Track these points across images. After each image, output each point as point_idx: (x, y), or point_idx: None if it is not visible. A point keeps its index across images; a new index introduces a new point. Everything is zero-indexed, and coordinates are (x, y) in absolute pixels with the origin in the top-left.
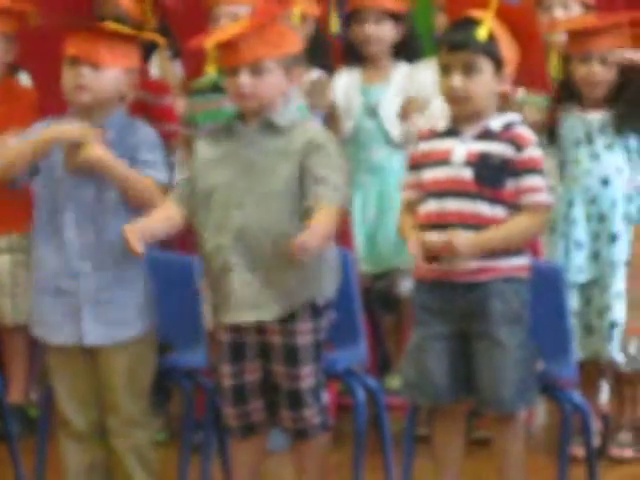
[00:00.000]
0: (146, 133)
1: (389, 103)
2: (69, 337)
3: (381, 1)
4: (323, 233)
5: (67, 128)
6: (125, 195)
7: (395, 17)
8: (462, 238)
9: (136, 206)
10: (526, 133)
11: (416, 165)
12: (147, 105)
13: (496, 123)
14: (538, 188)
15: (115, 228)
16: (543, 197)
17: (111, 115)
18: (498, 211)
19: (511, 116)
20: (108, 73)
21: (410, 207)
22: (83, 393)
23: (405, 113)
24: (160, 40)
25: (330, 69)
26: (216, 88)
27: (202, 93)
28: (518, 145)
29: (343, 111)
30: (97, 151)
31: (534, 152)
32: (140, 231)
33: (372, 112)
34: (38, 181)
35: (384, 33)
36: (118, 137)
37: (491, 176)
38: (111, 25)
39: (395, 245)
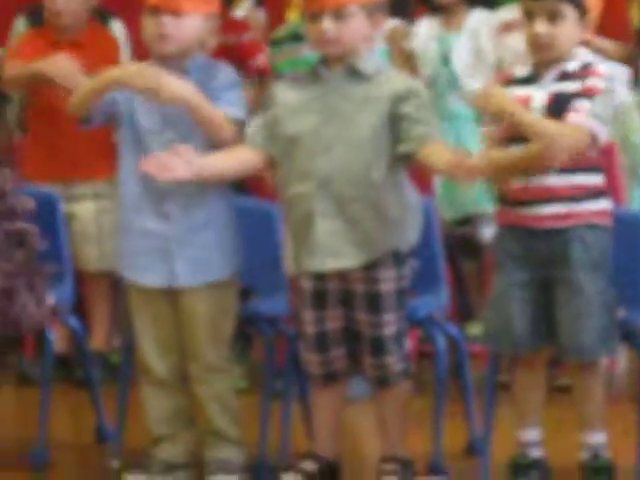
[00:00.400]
0: (226, 73)
1: (461, 51)
2: (160, 279)
3: None
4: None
5: (125, 72)
6: (205, 131)
7: None
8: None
9: (216, 145)
10: (600, 68)
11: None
12: (230, 46)
13: (573, 65)
14: (582, 110)
15: None
16: (582, 119)
17: (192, 60)
18: None
19: (590, 57)
20: (189, 20)
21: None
22: (164, 339)
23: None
24: None
25: (410, 18)
26: (296, 37)
27: (283, 42)
28: (587, 77)
29: (421, 59)
30: (176, 88)
31: (596, 82)
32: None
33: (446, 60)
34: (122, 127)
35: None
36: (199, 81)
37: (560, 110)
38: None
39: (473, 190)
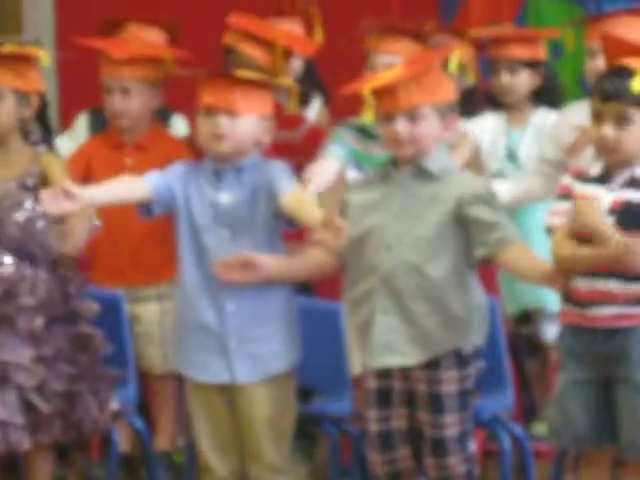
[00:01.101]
0: (275, 163)
1: (526, 147)
2: (217, 376)
3: (514, 51)
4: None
5: None
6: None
7: (532, 65)
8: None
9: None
10: None
11: (568, 195)
12: (288, 144)
13: None
14: None
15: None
16: None
17: (246, 159)
18: None
19: None
20: (244, 121)
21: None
22: (223, 438)
23: (575, 147)
24: (292, 86)
25: (474, 114)
26: (363, 131)
27: (351, 128)
28: None
29: (487, 154)
30: (267, 269)
31: None
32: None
33: (512, 155)
34: (179, 218)
35: (519, 82)
36: (253, 178)
37: (632, 222)
38: (244, 73)
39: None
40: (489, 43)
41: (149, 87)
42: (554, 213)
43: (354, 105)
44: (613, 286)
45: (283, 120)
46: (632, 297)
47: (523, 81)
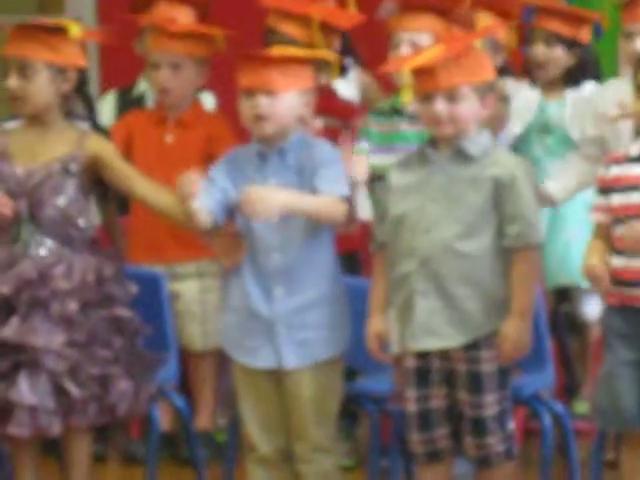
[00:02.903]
0: (323, 150)
1: (563, 124)
2: (266, 361)
3: (554, 24)
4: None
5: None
6: (318, 223)
7: (569, 43)
8: None
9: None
10: None
11: (606, 189)
12: (338, 131)
13: None
14: None
15: (305, 253)
16: None
17: (292, 137)
18: None
19: None
20: (284, 98)
21: (601, 231)
22: (269, 418)
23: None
24: (331, 59)
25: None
26: (397, 111)
27: (383, 114)
28: None
29: (515, 119)
30: (276, 200)
31: None
32: None
33: (546, 129)
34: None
35: (554, 57)
36: (297, 159)
37: None
38: (278, 50)
39: (564, 262)
40: (534, 12)
41: (197, 64)
42: (598, 209)
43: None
44: None
45: (336, 108)
46: None
47: (557, 56)
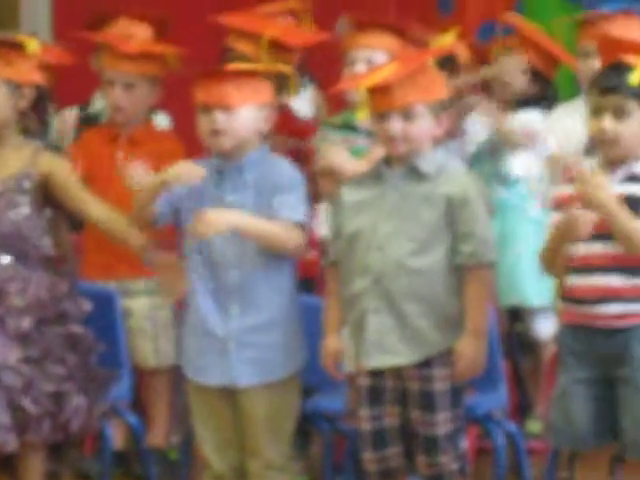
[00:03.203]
0: (284, 173)
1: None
2: (219, 379)
3: (529, 55)
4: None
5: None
6: (269, 249)
7: (536, 73)
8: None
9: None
10: None
11: (561, 206)
12: (295, 150)
13: None
14: None
15: (263, 271)
16: None
17: (251, 154)
18: None
19: None
20: (241, 113)
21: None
22: (223, 435)
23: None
24: (288, 73)
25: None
26: (350, 127)
27: (337, 129)
28: None
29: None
30: (227, 220)
31: None
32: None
33: (498, 149)
34: (185, 224)
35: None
36: (256, 177)
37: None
38: (233, 66)
39: (513, 281)
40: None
41: (151, 83)
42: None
43: (336, 102)
44: (614, 281)
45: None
46: (636, 292)
47: (521, 83)
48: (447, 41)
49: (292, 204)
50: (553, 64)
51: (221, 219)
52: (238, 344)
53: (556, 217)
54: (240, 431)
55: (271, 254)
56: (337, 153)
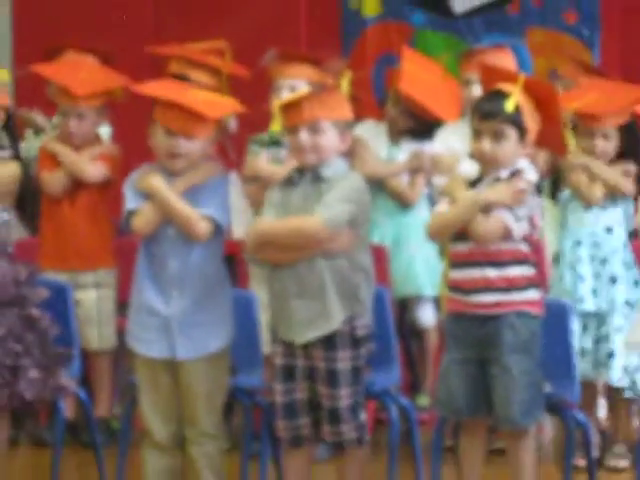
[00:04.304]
0: (215, 177)
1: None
2: (162, 352)
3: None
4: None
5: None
6: (177, 225)
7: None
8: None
9: (189, 238)
10: (529, 175)
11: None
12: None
13: (505, 172)
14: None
15: (195, 259)
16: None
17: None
18: (519, 245)
19: (521, 163)
20: (199, 141)
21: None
22: (165, 406)
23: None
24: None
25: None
26: (273, 142)
27: (264, 145)
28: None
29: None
30: (153, 182)
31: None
32: None
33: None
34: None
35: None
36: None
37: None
38: (206, 104)
39: (410, 273)
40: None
41: (99, 111)
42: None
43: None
44: (490, 272)
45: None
46: (508, 283)
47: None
48: (344, 86)
49: (210, 202)
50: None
51: (151, 182)
52: (179, 323)
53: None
54: (179, 403)
55: (205, 246)
56: (259, 162)
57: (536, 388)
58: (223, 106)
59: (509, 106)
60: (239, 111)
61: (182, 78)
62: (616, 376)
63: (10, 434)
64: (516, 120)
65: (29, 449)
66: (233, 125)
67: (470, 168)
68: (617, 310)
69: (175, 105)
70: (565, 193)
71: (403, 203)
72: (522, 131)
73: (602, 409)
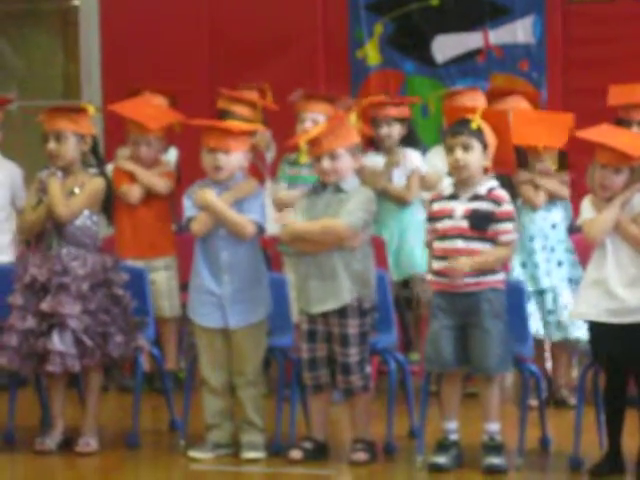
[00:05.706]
0: (249, 187)
1: (398, 178)
2: (217, 323)
3: (388, 110)
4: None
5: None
6: (229, 230)
7: (400, 120)
8: (461, 263)
9: (238, 238)
10: (502, 193)
11: (432, 218)
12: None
13: (482, 188)
14: (509, 231)
15: (241, 252)
16: (512, 236)
17: (233, 178)
18: (486, 246)
19: (492, 182)
20: (235, 155)
21: (429, 244)
22: (218, 362)
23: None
24: (262, 130)
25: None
26: (297, 162)
27: (289, 163)
28: (498, 202)
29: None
30: (207, 197)
31: (508, 207)
32: None
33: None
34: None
35: (393, 132)
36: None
37: (480, 224)
38: (235, 124)
39: (411, 259)
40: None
41: (162, 140)
42: (427, 231)
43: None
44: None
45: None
46: (479, 270)
47: (396, 131)
48: (352, 120)
49: (253, 208)
50: (406, 107)
51: (206, 197)
52: (230, 301)
53: (428, 225)
54: (230, 358)
55: (249, 246)
56: (279, 192)
57: (506, 345)
58: (248, 127)
59: (474, 125)
60: (262, 131)
61: (226, 112)
62: (562, 335)
63: (102, 383)
64: (479, 136)
65: (116, 394)
66: (272, 154)
67: (449, 184)
68: (564, 287)
69: (213, 128)
70: (518, 201)
71: (402, 203)
72: (484, 145)
73: (549, 362)
